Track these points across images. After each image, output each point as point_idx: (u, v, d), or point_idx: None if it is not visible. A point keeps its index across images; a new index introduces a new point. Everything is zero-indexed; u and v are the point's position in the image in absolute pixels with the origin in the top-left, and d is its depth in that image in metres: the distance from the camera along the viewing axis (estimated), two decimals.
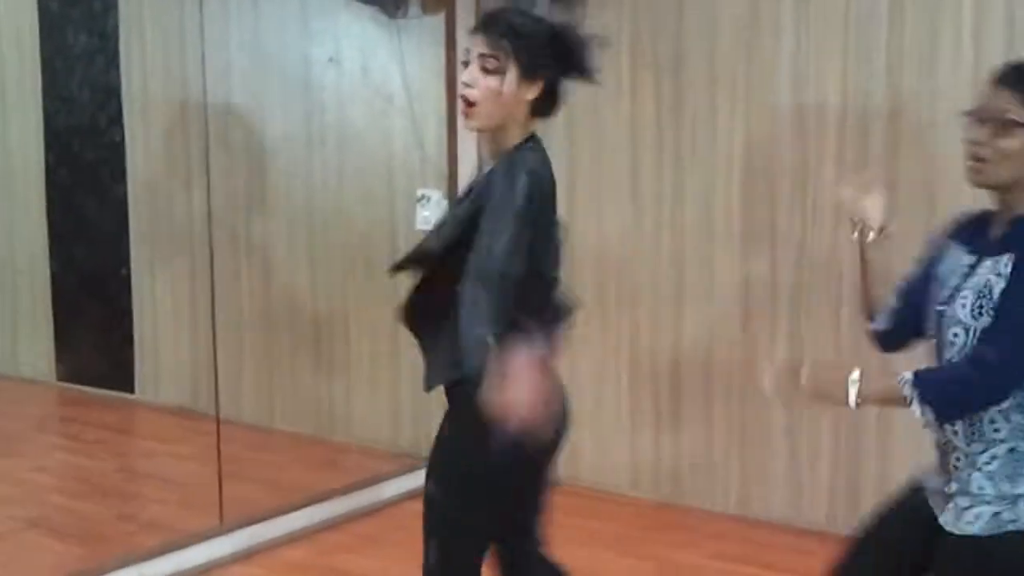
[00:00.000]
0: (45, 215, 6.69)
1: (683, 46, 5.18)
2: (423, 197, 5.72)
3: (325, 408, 6.14)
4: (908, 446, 4.74)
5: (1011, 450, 2.60)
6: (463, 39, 5.52)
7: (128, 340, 6.60)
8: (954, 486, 2.65)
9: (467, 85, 2.95)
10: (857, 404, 2.59)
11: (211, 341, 5.43)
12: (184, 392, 6.31)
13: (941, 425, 2.60)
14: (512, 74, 2.96)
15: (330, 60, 5.96)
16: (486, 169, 3.07)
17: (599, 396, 5.55)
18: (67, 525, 5.20)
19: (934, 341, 2.72)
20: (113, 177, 6.49)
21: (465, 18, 5.55)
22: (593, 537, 4.99)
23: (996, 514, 2.59)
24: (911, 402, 2.52)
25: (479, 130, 3.06)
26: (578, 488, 5.47)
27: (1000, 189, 2.63)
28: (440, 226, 3.15)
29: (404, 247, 5.88)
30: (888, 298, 2.91)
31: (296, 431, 6.19)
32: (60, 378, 6.76)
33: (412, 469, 5.52)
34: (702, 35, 5.12)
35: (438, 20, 5.64)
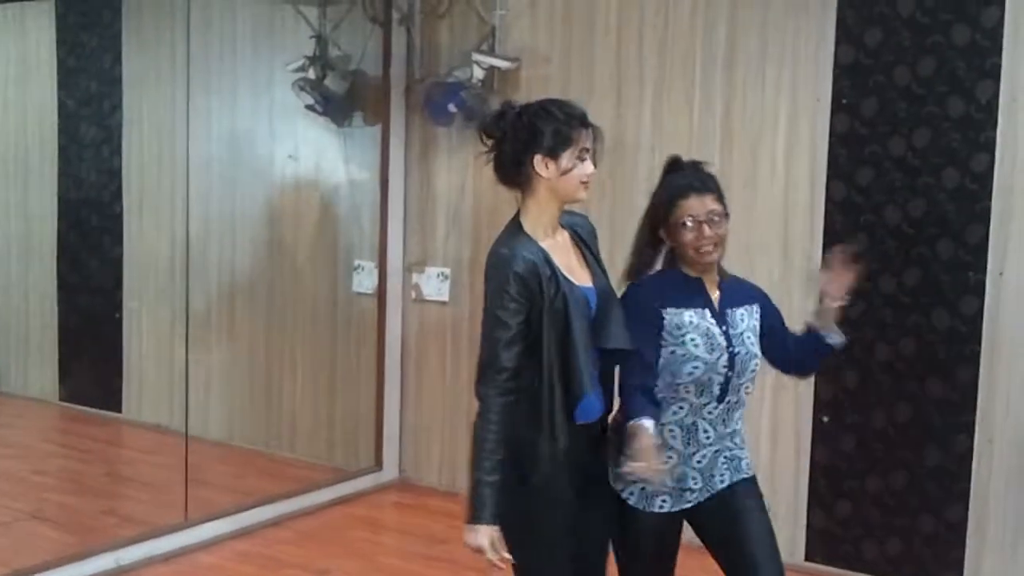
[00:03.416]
0: (55, 269, 6.57)
1: None
2: (359, 266, 5.77)
3: (274, 429, 6.11)
4: None
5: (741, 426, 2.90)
6: (395, 146, 5.62)
7: (118, 370, 6.48)
8: (725, 472, 2.82)
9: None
10: None
11: (184, 373, 5.42)
12: (161, 413, 6.19)
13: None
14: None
15: (290, 156, 5.98)
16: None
17: None
18: (60, 517, 5.12)
19: (710, 379, 2.73)
20: (112, 241, 6.42)
21: (397, 131, 5.62)
22: None
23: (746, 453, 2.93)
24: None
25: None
26: None
27: (715, 261, 2.82)
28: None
29: (343, 305, 5.94)
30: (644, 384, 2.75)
31: (250, 447, 6.12)
32: (61, 399, 6.60)
33: (342, 480, 5.53)
34: None
35: (375, 130, 5.69)
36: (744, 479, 2.86)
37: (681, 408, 2.78)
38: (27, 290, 6.71)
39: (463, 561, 4.70)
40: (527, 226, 2.70)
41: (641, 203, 4.89)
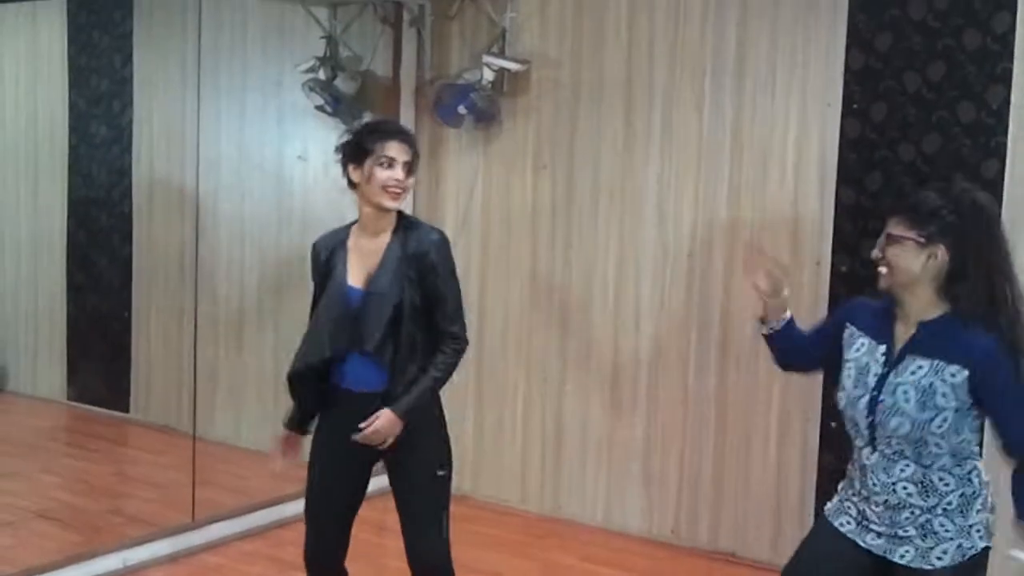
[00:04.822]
0: (65, 268, 6.60)
1: (574, 160, 5.24)
2: None
3: (280, 431, 6.09)
4: (739, 473, 4.86)
5: (961, 495, 2.63)
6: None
7: (126, 370, 6.49)
8: (911, 531, 2.63)
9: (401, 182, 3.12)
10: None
11: (192, 374, 5.44)
12: (169, 413, 6.21)
13: None
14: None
15: (299, 157, 5.98)
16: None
17: (499, 433, 5.57)
18: (67, 517, 5.12)
19: (855, 417, 2.68)
20: (121, 240, 6.44)
21: None
22: (490, 541, 5.00)
23: (959, 546, 2.62)
24: None
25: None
26: (479, 501, 5.50)
27: (899, 291, 2.64)
28: None
29: None
30: (783, 319, 2.92)
31: (256, 448, 6.09)
32: (70, 398, 6.62)
33: None
34: (589, 154, 5.18)
35: None
36: (929, 571, 2.62)
37: (853, 444, 2.76)
38: (36, 289, 6.73)
39: (469, 564, 4.70)
40: (356, 224, 3.26)
41: (651, 208, 5.01)
